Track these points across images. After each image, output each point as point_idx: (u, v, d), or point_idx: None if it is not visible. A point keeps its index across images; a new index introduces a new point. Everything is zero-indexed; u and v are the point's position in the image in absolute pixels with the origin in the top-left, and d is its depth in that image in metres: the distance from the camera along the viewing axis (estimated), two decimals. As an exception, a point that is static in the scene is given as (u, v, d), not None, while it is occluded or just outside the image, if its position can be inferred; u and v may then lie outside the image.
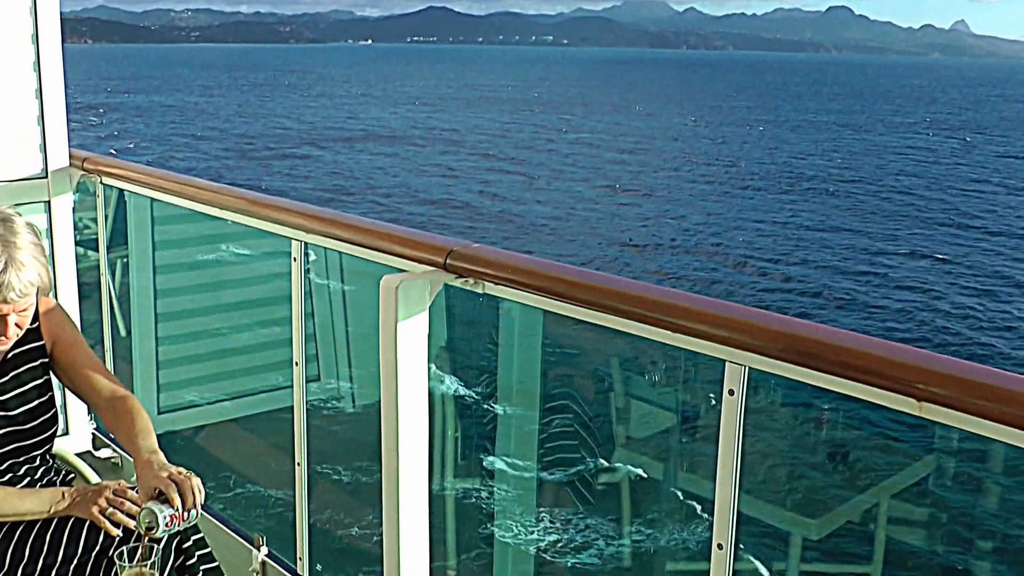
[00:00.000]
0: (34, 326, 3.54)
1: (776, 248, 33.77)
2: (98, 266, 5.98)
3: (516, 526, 5.08)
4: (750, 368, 2.85)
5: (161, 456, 3.35)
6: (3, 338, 3.36)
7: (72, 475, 3.84)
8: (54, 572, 3.37)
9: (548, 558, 5.15)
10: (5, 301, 3.28)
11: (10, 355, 3.56)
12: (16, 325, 3.36)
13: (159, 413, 6.23)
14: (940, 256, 32.59)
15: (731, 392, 2.90)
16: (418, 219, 35.73)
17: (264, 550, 4.88)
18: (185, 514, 3.00)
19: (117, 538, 3.36)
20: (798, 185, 45.17)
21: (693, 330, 2.90)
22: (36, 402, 3.59)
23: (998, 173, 49.28)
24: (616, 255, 32.24)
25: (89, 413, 5.83)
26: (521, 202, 41.23)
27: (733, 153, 54.11)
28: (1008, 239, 35.45)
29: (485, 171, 47.55)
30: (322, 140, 56.44)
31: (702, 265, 31.74)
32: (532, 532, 5.05)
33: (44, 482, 3.62)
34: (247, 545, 4.91)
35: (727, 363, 2.88)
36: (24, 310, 3.36)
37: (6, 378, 3.53)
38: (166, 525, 2.95)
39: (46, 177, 5.55)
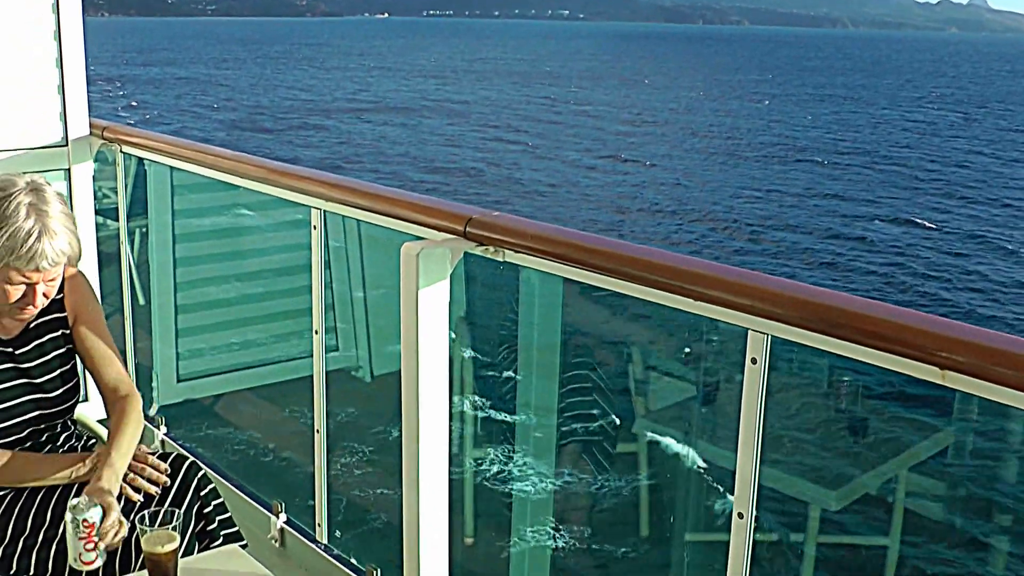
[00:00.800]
0: (59, 296, 3.54)
1: (760, 213, 34.13)
2: (117, 235, 5.97)
3: (534, 494, 5.08)
4: (772, 337, 2.84)
5: (116, 477, 3.33)
6: (31, 307, 3.37)
7: (93, 440, 3.85)
8: (76, 536, 3.39)
9: (565, 527, 5.16)
10: (37, 270, 3.29)
11: (33, 325, 3.56)
12: (43, 295, 3.37)
13: (178, 381, 6.24)
14: (919, 221, 32.82)
15: (753, 361, 2.89)
16: (423, 186, 35.88)
17: (283, 517, 4.90)
18: (95, 539, 2.98)
19: (138, 503, 3.38)
20: (791, 156, 45.29)
21: (716, 298, 2.88)
22: (59, 371, 3.61)
23: (992, 145, 49.22)
24: (608, 219, 32.43)
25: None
26: (520, 169, 41.45)
27: (734, 124, 54.14)
28: (991, 207, 35.59)
29: (488, 140, 47.66)
30: (331, 111, 56.45)
31: (688, 228, 32.02)
32: (550, 501, 5.06)
33: (66, 448, 3.64)
34: (265, 512, 4.93)
35: (749, 331, 2.87)
36: (52, 279, 3.37)
37: (29, 347, 3.54)
38: (85, 525, 2.94)
39: (66, 145, 5.55)
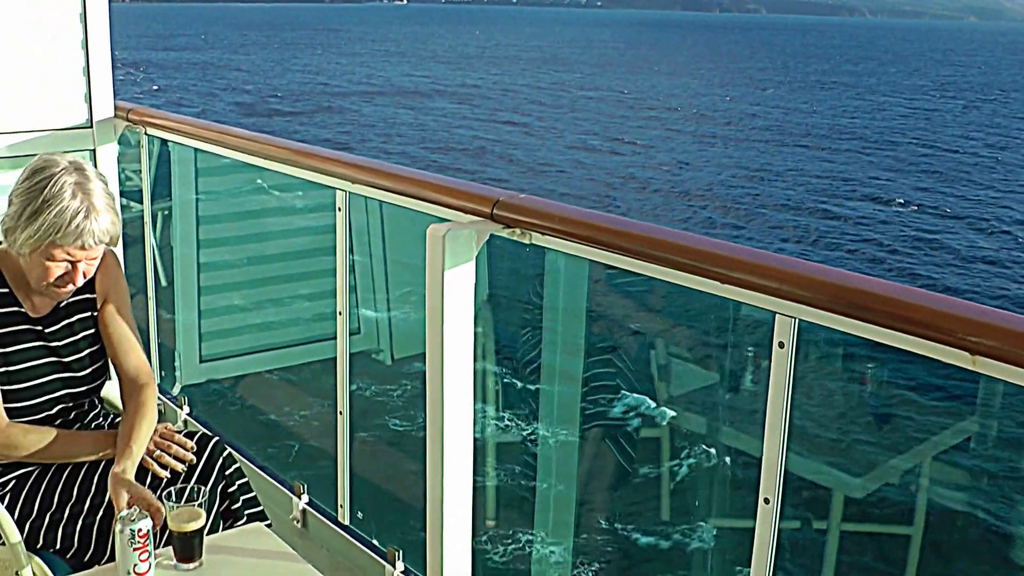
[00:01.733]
0: (90, 277, 3.55)
1: (746, 192, 34.51)
2: (141, 217, 5.99)
3: (558, 478, 5.08)
4: (800, 320, 2.83)
5: (131, 471, 3.34)
6: (70, 285, 3.38)
7: (119, 419, 3.86)
8: (101, 511, 3.41)
9: (588, 509, 5.16)
10: (82, 247, 3.30)
11: (63, 304, 3.59)
12: (83, 273, 3.39)
13: (201, 362, 6.26)
14: (901, 200, 33.15)
15: (781, 345, 2.88)
16: (432, 167, 36.22)
17: (304, 498, 4.91)
18: (149, 548, 2.96)
19: (164, 479, 3.40)
20: (786, 139, 45.45)
21: (743, 281, 2.87)
22: (87, 351, 3.63)
23: (984, 131, 49.16)
24: (604, 194, 32.75)
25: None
26: (518, 148, 41.77)
27: (733, 110, 54.21)
28: (976, 188, 35.80)
29: (493, 123, 47.84)
30: (340, 95, 56.54)
31: (671, 205, 32.51)
32: (573, 484, 5.05)
33: (93, 426, 3.65)
34: (287, 493, 4.94)
35: (777, 315, 2.86)
36: (93, 258, 3.39)
37: (59, 326, 3.56)
38: (140, 535, 2.93)
39: (91, 127, 5.55)
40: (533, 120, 48.92)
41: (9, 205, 3.33)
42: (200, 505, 3.03)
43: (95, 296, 3.66)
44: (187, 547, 3.06)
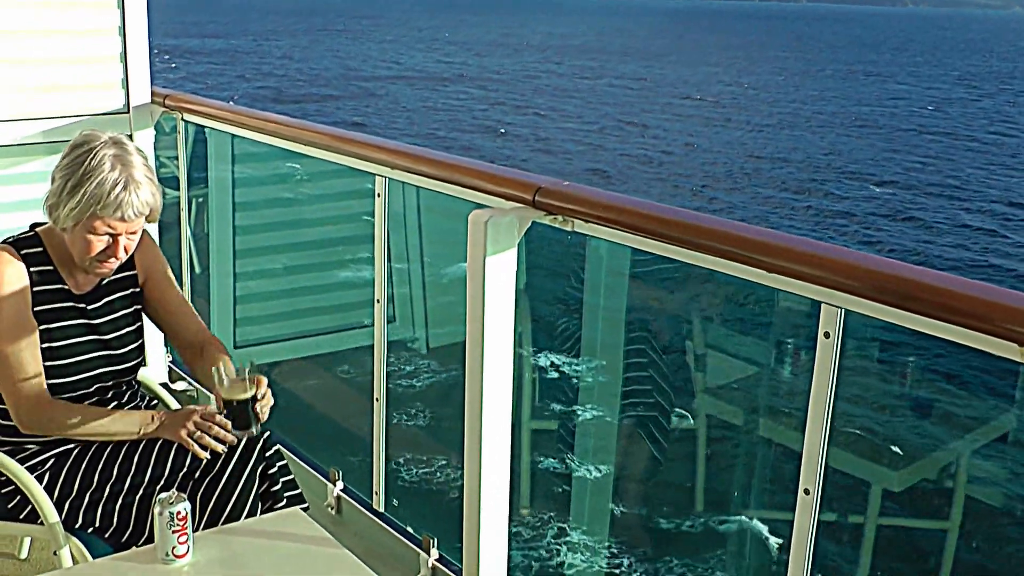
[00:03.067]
0: (129, 255, 3.55)
1: (733, 172, 34.80)
2: (177, 203, 5.99)
3: (594, 466, 5.06)
4: (846, 310, 2.80)
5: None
6: (112, 260, 3.38)
7: (155, 402, 3.87)
8: (141, 491, 3.42)
9: (624, 498, 5.14)
10: (123, 219, 3.30)
11: (105, 282, 3.59)
12: (124, 248, 3.39)
13: (235, 348, 6.25)
14: (890, 179, 33.49)
15: (826, 335, 2.85)
16: (443, 144, 36.57)
17: (339, 484, 4.90)
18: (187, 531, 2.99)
19: (204, 460, 3.40)
20: (786, 122, 45.55)
21: (789, 270, 2.83)
22: (126, 330, 3.64)
23: (986, 120, 48.99)
24: (588, 176, 33.12)
25: (166, 346, 5.87)
26: (519, 128, 42.11)
27: (743, 96, 54.21)
28: (962, 176, 35.91)
29: (503, 109, 48.03)
30: (359, 79, 56.69)
31: (662, 179, 33.06)
32: (610, 472, 5.04)
33: (130, 407, 3.65)
34: (322, 479, 4.94)
35: (823, 305, 2.83)
36: (134, 232, 3.39)
37: (101, 303, 3.57)
38: (179, 517, 2.95)
39: (128, 112, 5.57)
40: (548, 104, 49.09)
41: (52, 182, 3.35)
42: (246, 379, 3.29)
43: (136, 273, 3.67)
44: (243, 414, 3.31)
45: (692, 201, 29.94)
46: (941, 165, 37.19)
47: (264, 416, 3.36)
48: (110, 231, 3.32)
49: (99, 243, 3.33)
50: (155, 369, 5.57)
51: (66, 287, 3.49)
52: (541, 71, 62.28)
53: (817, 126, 44.66)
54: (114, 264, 3.40)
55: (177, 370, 5.99)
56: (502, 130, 42.07)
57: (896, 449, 5.25)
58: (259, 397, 3.33)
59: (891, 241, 26.52)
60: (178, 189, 5.99)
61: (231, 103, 5.86)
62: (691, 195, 30.93)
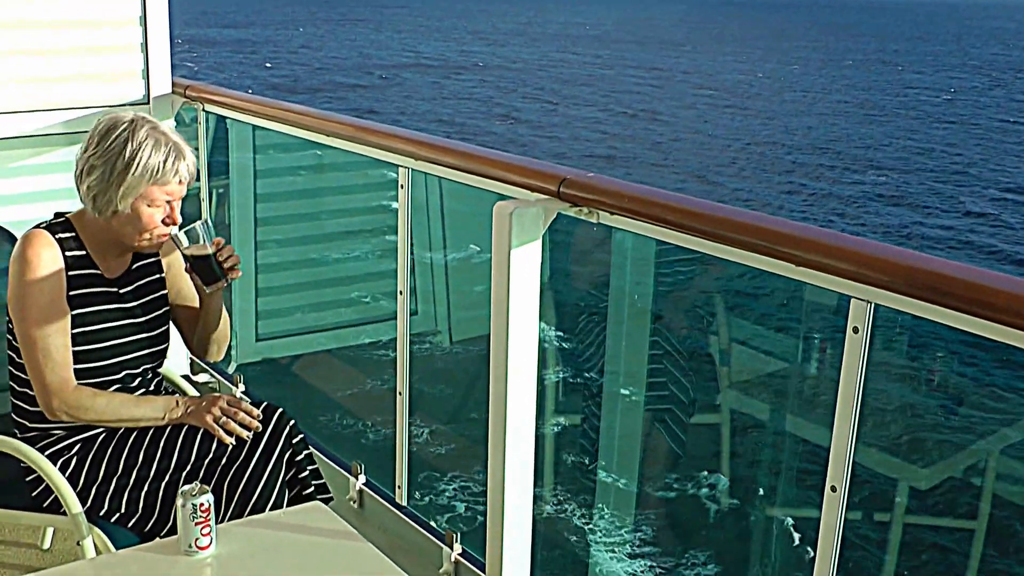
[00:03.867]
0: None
1: (738, 159, 35.14)
2: (197, 194, 5.97)
3: (618, 461, 5.04)
4: (876, 305, 2.76)
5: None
6: (167, 220, 3.42)
7: (177, 394, 3.86)
8: (167, 477, 3.40)
9: (649, 493, 5.12)
10: (180, 182, 3.40)
11: (134, 267, 3.60)
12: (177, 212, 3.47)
13: (257, 340, 6.24)
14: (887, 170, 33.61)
15: (855, 330, 2.81)
16: (441, 131, 36.76)
17: (362, 478, 4.88)
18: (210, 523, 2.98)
19: (230, 446, 3.39)
20: (798, 111, 45.61)
21: (818, 264, 2.80)
22: (156, 313, 3.65)
23: (990, 110, 48.86)
24: (590, 164, 33.29)
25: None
26: (536, 118, 42.29)
27: (757, 84, 54.24)
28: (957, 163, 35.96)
29: (516, 97, 48.17)
30: (376, 68, 56.81)
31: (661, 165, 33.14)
32: (635, 467, 5.01)
33: (154, 394, 3.65)
34: (344, 473, 4.91)
35: (852, 299, 2.78)
36: (180, 197, 3.46)
37: (132, 287, 3.57)
38: (202, 509, 2.93)
39: (148, 103, 5.55)
40: (561, 92, 49.21)
41: (89, 174, 3.37)
42: (201, 235, 3.42)
43: (160, 259, 3.69)
44: (209, 269, 3.45)
45: (696, 185, 30.13)
46: (944, 150, 37.21)
47: (237, 273, 3.53)
48: (168, 197, 3.39)
49: (159, 213, 3.39)
50: (176, 362, 5.55)
51: (99, 271, 3.50)
52: (556, 60, 62.36)
53: (826, 114, 44.74)
54: (167, 234, 3.44)
55: (199, 362, 5.97)
56: (513, 117, 42.21)
57: (924, 446, 5.22)
58: (220, 256, 3.46)
59: (877, 223, 26.72)
60: (199, 180, 5.97)
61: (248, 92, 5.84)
62: (696, 180, 31.09)
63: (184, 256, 3.47)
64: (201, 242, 3.41)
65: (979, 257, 23.57)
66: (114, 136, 3.34)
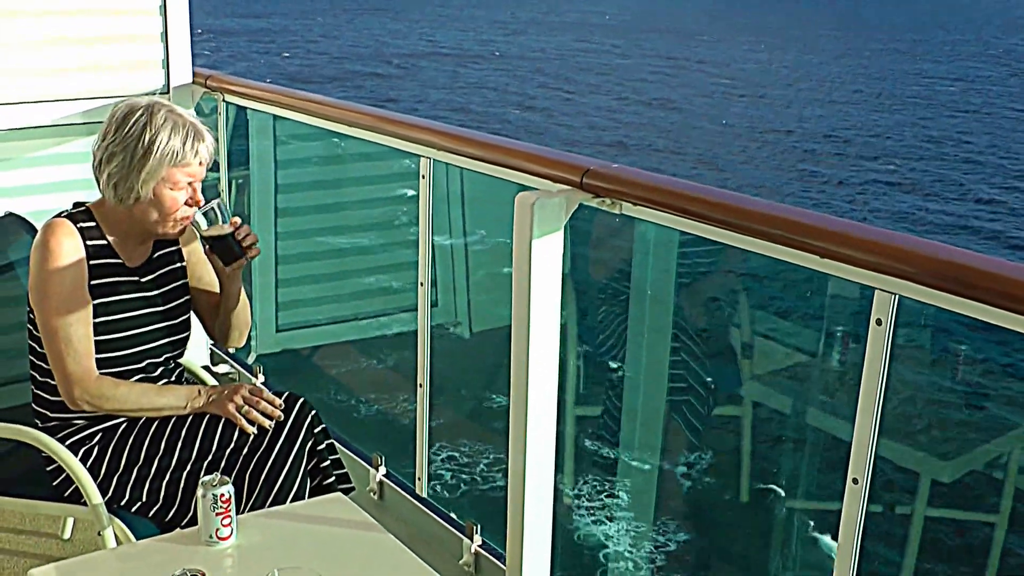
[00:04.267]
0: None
1: (749, 147, 35.11)
2: (217, 184, 5.97)
3: (639, 452, 5.03)
4: (900, 297, 2.74)
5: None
6: (190, 202, 3.42)
7: (196, 384, 3.86)
8: (188, 467, 3.40)
9: (669, 487, 5.10)
10: (201, 163, 3.41)
11: (155, 255, 3.60)
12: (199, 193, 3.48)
13: (277, 331, 6.24)
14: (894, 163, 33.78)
15: (879, 322, 2.80)
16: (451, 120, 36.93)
17: (382, 469, 4.88)
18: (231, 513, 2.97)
19: (251, 435, 3.39)
20: (812, 99, 45.63)
21: (842, 255, 2.78)
22: (178, 301, 3.65)
23: (1004, 99, 48.72)
24: (602, 151, 33.38)
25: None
26: (551, 105, 42.39)
27: (769, 73, 54.19)
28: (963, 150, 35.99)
29: (532, 85, 48.24)
30: (395, 56, 56.86)
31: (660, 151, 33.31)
32: (656, 459, 5.00)
33: (176, 383, 3.66)
34: (365, 464, 4.91)
35: (876, 291, 2.77)
36: (201, 179, 3.47)
37: (153, 275, 3.58)
38: (223, 500, 2.93)
39: (168, 93, 5.54)
40: (577, 80, 49.31)
41: (108, 162, 3.37)
42: (218, 216, 3.43)
43: (180, 248, 3.70)
44: (228, 247, 3.48)
45: (708, 173, 30.21)
46: (955, 139, 37.15)
47: (256, 251, 3.55)
48: (190, 177, 3.39)
49: (182, 195, 3.39)
50: (196, 353, 5.56)
51: (120, 261, 3.50)
52: (574, 49, 62.35)
53: (839, 102, 44.68)
54: (191, 214, 3.44)
55: (219, 352, 5.98)
56: (528, 105, 42.28)
57: (947, 439, 5.19)
58: (237, 235, 3.48)
59: (884, 209, 26.84)
60: (219, 171, 5.97)
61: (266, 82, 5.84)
62: (707, 167, 31.19)
63: (203, 238, 3.50)
64: (219, 222, 3.42)
65: (978, 241, 23.61)
66: (132, 122, 3.34)
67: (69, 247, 3.38)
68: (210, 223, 3.43)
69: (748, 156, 33.63)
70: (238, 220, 3.47)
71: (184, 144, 3.34)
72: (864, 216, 25.44)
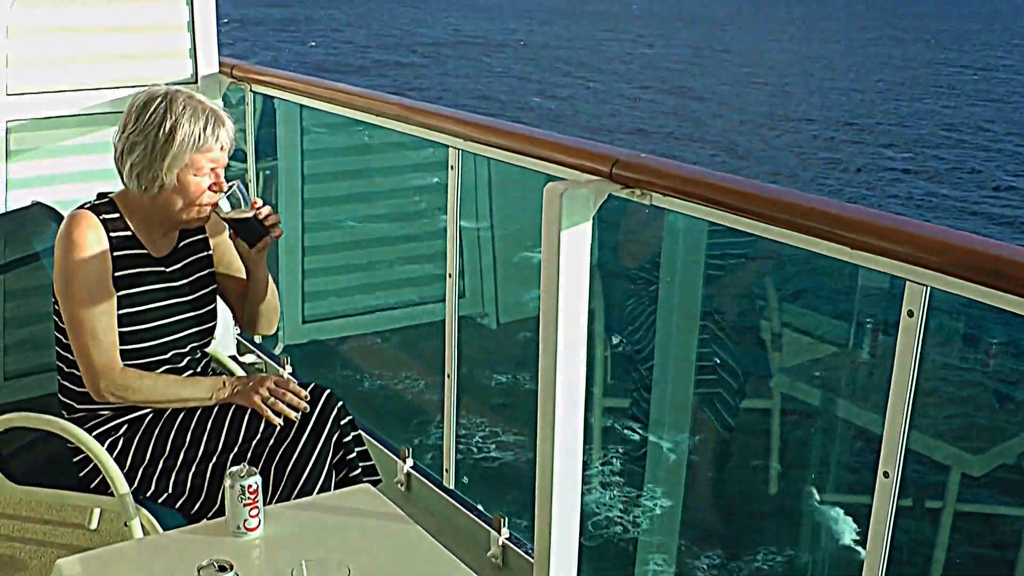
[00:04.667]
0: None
1: (766, 135, 35.33)
2: (244, 175, 5.97)
3: (668, 447, 5.01)
4: (932, 288, 2.71)
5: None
6: (214, 187, 3.41)
7: (223, 375, 3.85)
8: (214, 459, 3.40)
9: (697, 481, 5.09)
10: (222, 148, 3.40)
11: (181, 244, 3.59)
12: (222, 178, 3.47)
13: (303, 322, 6.24)
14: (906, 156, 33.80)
15: (910, 314, 2.77)
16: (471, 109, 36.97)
17: (409, 461, 4.87)
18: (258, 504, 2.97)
19: (278, 427, 3.38)
20: (830, 87, 45.61)
21: (874, 246, 2.75)
22: (204, 291, 3.64)
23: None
24: (625, 136, 33.43)
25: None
26: (574, 93, 42.46)
27: (792, 63, 54.16)
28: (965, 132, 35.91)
29: (556, 75, 48.30)
30: (415, 46, 56.90)
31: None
32: (683, 453, 4.99)
33: (201, 375, 3.65)
34: (392, 456, 4.90)
35: (907, 283, 2.74)
36: (224, 164, 3.46)
37: (179, 265, 3.57)
38: (250, 491, 2.92)
39: (195, 83, 5.53)
40: (600, 68, 49.36)
41: (131, 152, 3.36)
42: (240, 200, 3.41)
43: (207, 236, 3.69)
44: (251, 228, 3.46)
45: (728, 160, 30.26)
46: (975, 127, 37.07)
47: (279, 231, 3.53)
48: (213, 163, 3.38)
49: (205, 181, 3.38)
50: (222, 343, 5.57)
51: (145, 251, 3.49)
52: (599, 39, 62.33)
53: (859, 90, 44.66)
54: (217, 199, 3.43)
55: (246, 343, 5.98)
56: (551, 94, 42.35)
57: (976, 432, 5.17)
58: (259, 215, 3.46)
59: (902, 195, 26.92)
60: (245, 161, 5.96)
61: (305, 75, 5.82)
62: (727, 154, 31.24)
63: (226, 221, 3.49)
64: (241, 205, 3.41)
65: (985, 226, 23.64)
66: (151, 110, 3.33)
67: (92, 239, 3.38)
68: (232, 207, 3.44)
69: (767, 143, 33.71)
70: (259, 201, 3.46)
71: (205, 129, 3.33)
72: (881, 203, 25.50)
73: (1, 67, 5.10)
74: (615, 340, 5.36)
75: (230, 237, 3.56)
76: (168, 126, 3.30)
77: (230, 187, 3.40)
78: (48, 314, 3.57)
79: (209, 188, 3.39)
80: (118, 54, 5.35)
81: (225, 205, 3.44)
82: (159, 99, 3.35)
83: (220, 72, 5.62)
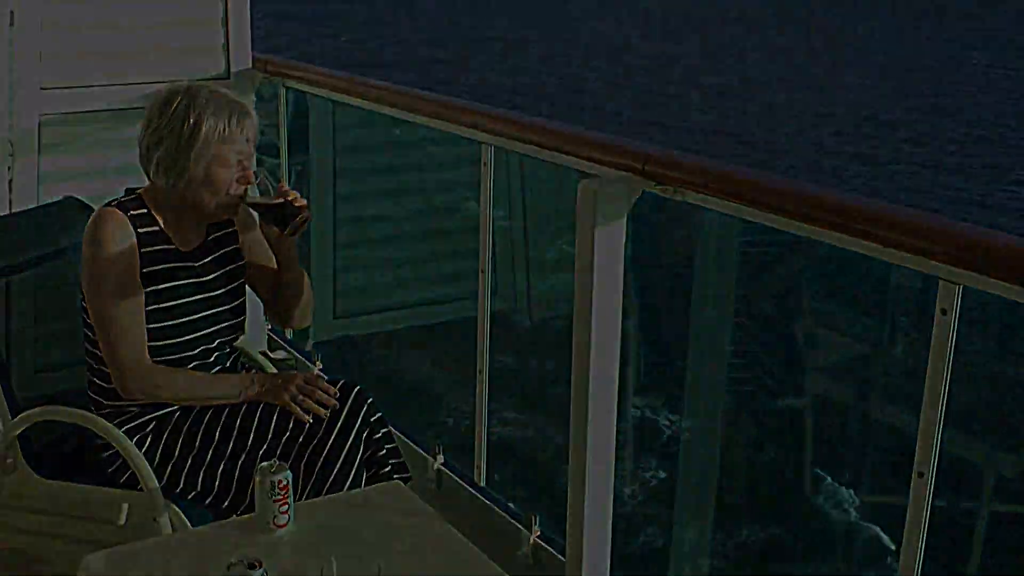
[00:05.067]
0: None
1: (788, 131, 35.55)
2: (277, 170, 5.96)
3: (700, 445, 4.99)
4: (965, 287, 2.69)
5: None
6: (241, 179, 3.39)
7: (254, 371, 3.84)
8: (243, 455, 3.39)
9: (730, 480, 5.07)
10: (247, 140, 3.39)
11: (210, 238, 3.57)
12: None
13: (334, 318, 6.23)
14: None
15: (944, 312, 2.74)
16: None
17: (440, 459, 4.85)
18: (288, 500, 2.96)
19: (307, 424, 3.37)
20: (857, 84, 45.64)
21: (907, 244, 2.73)
22: (233, 285, 3.62)
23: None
24: (644, 127, 33.57)
25: (265, 314, 5.87)
26: (597, 88, 42.73)
27: (821, 60, 54.17)
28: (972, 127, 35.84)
29: (586, 71, 48.49)
30: (445, 41, 57.08)
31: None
32: (716, 450, 4.96)
33: (230, 371, 3.64)
34: (423, 453, 4.88)
35: (940, 281, 2.71)
36: (251, 155, 3.46)
37: (207, 260, 3.55)
38: (280, 487, 2.92)
39: (229, 78, 5.53)
40: (625, 63, 49.54)
41: (157, 147, 3.35)
42: (269, 187, 3.38)
43: (236, 230, 3.67)
44: (281, 213, 3.39)
45: (750, 153, 30.37)
46: (996, 123, 36.97)
47: (308, 215, 3.46)
48: (239, 156, 3.37)
49: (232, 172, 3.37)
50: (253, 338, 5.56)
51: (173, 246, 3.48)
52: (628, 35, 62.41)
53: (886, 86, 44.67)
54: (249, 181, 3.43)
55: (277, 339, 5.97)
56: (579, 89, 42.47)
57: (1009, 432, 5.13)
58: (288, 199, 3.43)
59: (925, 190, 26.97)
60: (278, 157, 5.96)
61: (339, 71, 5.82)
62: (749, 148, 31.34)
63: (254, 207, 3.47)
64: (269, 193, 3.40)
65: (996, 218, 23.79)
66: (174, 105, 3.33)
67: (120, 236, 3.37)
68: (261, 193, 3.43)
69: (791, 138, 33.81)
70: (286, 187, 3.43)
71: (229, 121, 3.32)
72: (899, 197, 25.56)
73: (35, 62, 5.10)
74: (649, 337, 5.34)
75: (260, 227, 3.55)
76: (192, 119, 3.29)
77: (257, 177, 3.40)
78: (77, 310, 3.57)
79: (236, 180, 3.38)
80: (151, 49, 5.35)
81: (254, 192, 3.44)
82: (180, 94, 3.35)
83: (254, 67, 5.61)
